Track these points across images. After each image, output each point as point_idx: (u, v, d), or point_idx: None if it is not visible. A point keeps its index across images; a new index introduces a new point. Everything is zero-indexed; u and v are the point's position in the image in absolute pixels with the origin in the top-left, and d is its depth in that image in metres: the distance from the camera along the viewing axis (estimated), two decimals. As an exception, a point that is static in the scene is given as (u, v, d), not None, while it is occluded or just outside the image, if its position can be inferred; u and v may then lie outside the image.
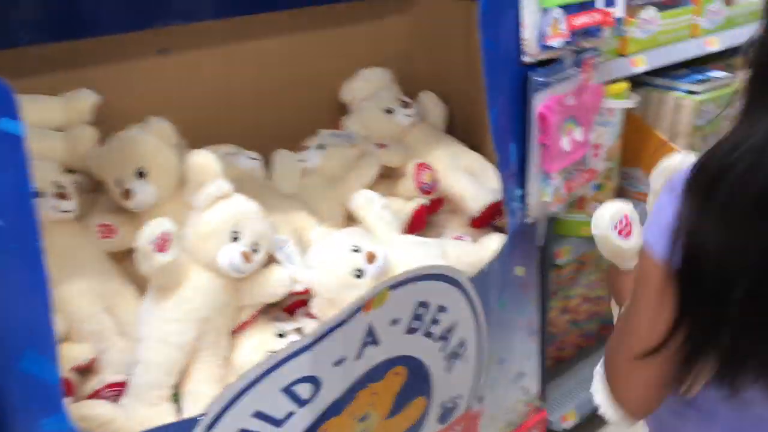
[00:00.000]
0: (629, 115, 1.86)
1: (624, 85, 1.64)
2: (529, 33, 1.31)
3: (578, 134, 1.49)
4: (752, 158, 0.71)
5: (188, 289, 1.13)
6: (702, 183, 0.75)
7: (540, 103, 1.36)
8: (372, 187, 1.49)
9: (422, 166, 1.51)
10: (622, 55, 1.64)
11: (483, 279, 1.31)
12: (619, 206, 1.03)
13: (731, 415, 0.83)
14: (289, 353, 0.98)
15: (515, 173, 1.38)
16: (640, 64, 1.65)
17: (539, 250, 1.62)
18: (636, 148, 1.87)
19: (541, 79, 1.35)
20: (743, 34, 1.98)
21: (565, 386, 1.96)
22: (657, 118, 1.83)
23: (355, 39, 1.74)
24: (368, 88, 1.66)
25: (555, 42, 1.33)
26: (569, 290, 2.02)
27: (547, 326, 1.82)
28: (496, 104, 1.29)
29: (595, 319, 2.17)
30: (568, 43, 1.35)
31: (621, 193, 1.91)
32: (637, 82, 1.87)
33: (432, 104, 1.69)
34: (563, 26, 1.33)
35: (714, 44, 1.82)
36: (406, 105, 1.59)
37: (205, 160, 1.17)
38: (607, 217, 1.02)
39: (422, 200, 1.50)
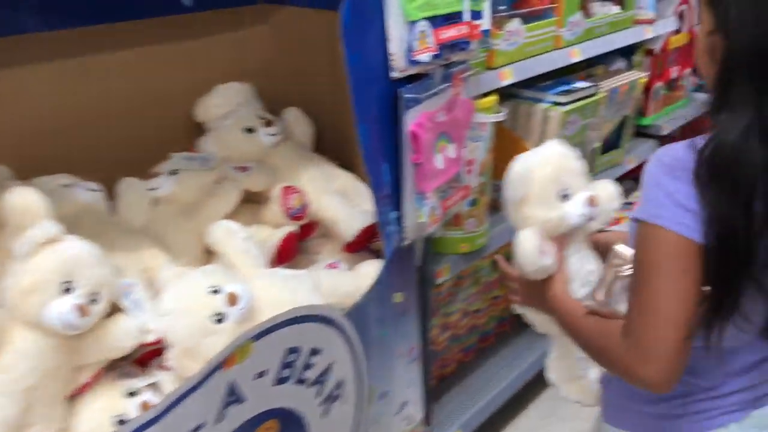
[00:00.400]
0: (499, 128, 1.84)
1: (493, 99, 1.61)
2: (396, 47, 1.23)
3: (451, 151, 1.43)
4: None
5: (9, 355, 0.95)
6: (722, 167, 0.83)
7: (411, 120, 1.29)
8: (233, 215, 1.36)
9: (289, 190, 1.39)
10: (490, 68, 1.61)
11: (360, 312, 1.21)
12: (533, 236, 1.11)
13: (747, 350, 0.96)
14: (135, 428, 0.83)
15: (389, 194, 1.30)
16: (508, 77, 1.63)
17: (417, 271, 1.55)
18: (507, 160, 1.85)
19: (411, 96, 1.27)
20: (602, 44, 2.05)
21: (450, 405, 1.91)
22: (526, 130, 1.83)
23: (211, 51, 1.59)
24: (226, 105, 1.52)
25: (423, 56, 1.26)
26: (449, 307, 1.97)
27: (428, 347, 1.76)
28: (365, 123, 1.20)
29: (474, 332, 2.15)
30: (436, 57, 1.28)
31: (495, 207, 1.89)
32: (506, 94, 1.86)
33: (298, 121, 1.58)
34: (431, 40, 1.27)
35: (576, 55, 1.84)
36: (268, 123, 1.46)
37: (25, 198, 0.98)
38: (534, 252, 1.09)
39: (291, 227, 1.38)
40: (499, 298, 2.19)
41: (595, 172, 1.98)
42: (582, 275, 1.15)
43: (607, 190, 1.18)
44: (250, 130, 1.46)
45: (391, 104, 1.26)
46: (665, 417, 1.01)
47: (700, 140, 0.86)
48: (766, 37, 0.83)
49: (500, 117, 1.63)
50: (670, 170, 0.86)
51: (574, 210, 1.14)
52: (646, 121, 2.47)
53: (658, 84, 2.44)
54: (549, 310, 1.11)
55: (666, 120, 2.52)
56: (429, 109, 1.34)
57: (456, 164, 1.46)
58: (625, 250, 1.02)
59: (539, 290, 1.13)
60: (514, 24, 1.61)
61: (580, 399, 1.28)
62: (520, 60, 1.67)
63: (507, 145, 1.85)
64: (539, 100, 1.82)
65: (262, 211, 1.43)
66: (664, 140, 2.60)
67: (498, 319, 2.26)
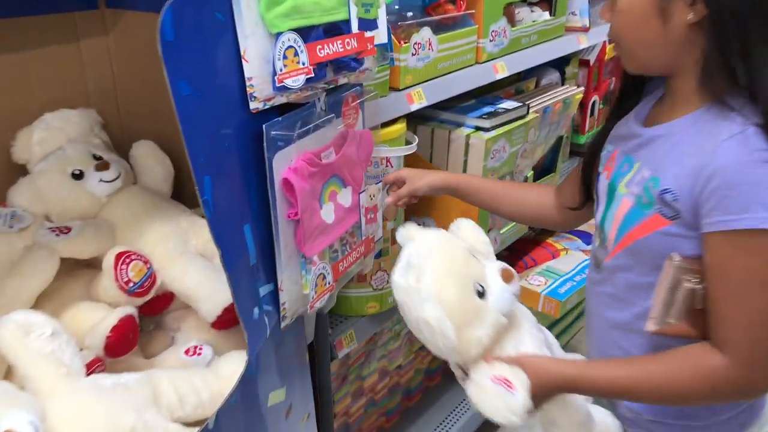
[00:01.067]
0: (414, 159, 1.54)
1: (401, 127, 1.30)
2: (254, 69, 0.90)
3: (345, 198, 1.11)
4: None
5: None
6: None
7: (283, 164, 0.97)
8: (54, 292, 1.01)
9: (125, 258, 1.04)
10: (394, 89, 1.30)
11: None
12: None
13: None
14: None
15: (256, 264, 0.97)
16: (419, 100, 1.32)
17: (309, 347, 1.23)
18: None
19: (280, 133, 0.95)
20: (532, 55, 1.78)
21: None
22: (446, 157, 1.53)
23: (36, 67, 1.22)
24: (53, 140, 1.16)
25: (292, 81, 0.93)
26: (362, 369, 1.65)
27: (334, 422, 1.44)
28: (209, 174, 0.86)
29: (396, 392, 1.84)
30: (313, 80, 0.96)
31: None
32: (419, 117, 1.56)
33: (150, 158, 1.23)
34: (304, 58, 0.94)
35: (502, 70, 1.55)
36: (102, 165, 1.11)
37: None
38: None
39: (128, 309, 1.03)
40: (426, 350, 1.89)
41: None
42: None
43: (479, 238, 1.05)
44: (77, 175, 1.10)
45: (253, 145, 0.93)
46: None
47: (753, 128, 0.81)
48: None
49: (411, 149, 1.32)
50: (764, 162, 0.80)
51: (501, 300, 0.94)
52: (582, 139, 2.22)
53: (595, 98, 2.19)
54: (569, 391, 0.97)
55: (603, 137, 2.27)
56: (309, 148, 1.02)
57: (353, 214, 1.14)
58: (684, 261, 0.89)
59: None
60: (424, 34, 1.31)
61: None
62: (432, 78, 1.37)
63: (423, 178, 1.55)
64: (459, 125, 1.52)
65: (95, 283, 1.07)
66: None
67: (425, 372, 1.96)
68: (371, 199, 1.18)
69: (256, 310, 0.97)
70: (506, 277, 0.95)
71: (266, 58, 0.91)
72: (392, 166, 1.29)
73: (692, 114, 0.90)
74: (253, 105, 0.92)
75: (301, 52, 0.94)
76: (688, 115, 0.91)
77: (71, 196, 1.09)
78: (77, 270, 1.10)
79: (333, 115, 1.06)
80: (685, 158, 0.88)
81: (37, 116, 1.20)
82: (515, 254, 2.06)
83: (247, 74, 0.90)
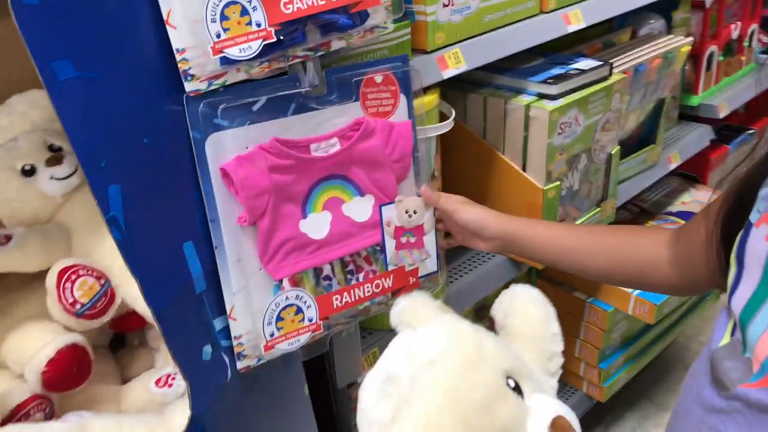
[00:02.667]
0: (461, 133, 1.25)
1: (430, 99, 1.02)
2: (186, 38, 0.67)
3: (359, 209, 0.86)
4: None
5: None
6: None
7: (226, 151, 0.74)
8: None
9: (72, 273, 0.86)
10: (421, 50, 1.02)
11: None
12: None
13: None
14: None
15: (207, 291, 0.75)
16: (455, 64, 1.04)
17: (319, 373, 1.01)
18: (475, 176, 1.28)
19: (227, 107, 0.72)
20: (618, 1, 1.42)
21: None
22: (502, 133, 1.24)
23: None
24: (14, 126, 1.00)
25: (239, 49, 0.69)
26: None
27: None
28: (119, 183, 0.65)
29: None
30: (274, 47, 0.71)
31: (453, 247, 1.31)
32: (469, 81, 1.27)
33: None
34: (259, 17, 0.70)
35: (576, 21, 1.22)
36: (54, 160, 0.93)
37: None
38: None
39: (73, 337, 0.85)
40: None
41: (611, 192, 1.36)
42: None
43: (541, 332, 0.66)
44: (28, 172, 0.92)
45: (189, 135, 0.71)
46: None
47: None
48: None
49: (443, 128, 1.04)
50: None
51: None
52: (695, 101, 1.81)
53: (712, 48, 1.77)
54: None
55: (723, 97, 1.85)
56: (283, 134, 0.78)
57: (370, 232, 0.89)
58: None
59: None
60: (462, -22, 1.01)
61: None
62: (476, 35, 1.07)
63: (475, 158, 1.27)
64: (519, 91, 1.21)
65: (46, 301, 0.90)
66: (721, 124, 1.94)
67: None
68: (410, 216, 0.91)
69: (207, 350, 0.76)
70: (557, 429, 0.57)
71: (203, 20, 0.68)
72: (418, 151, 1.02)
73: None
74: (191, 86, 0.69)
75: (253, 8, 0.69)
76: None
77: (20, 196, 0.91)
78: (36, 282, 0.94)
79: (333, 95, 0.80)
80: None
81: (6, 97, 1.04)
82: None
83: (175, 45, 0.67)
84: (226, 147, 0.74)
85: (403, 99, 0.86)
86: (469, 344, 0.59)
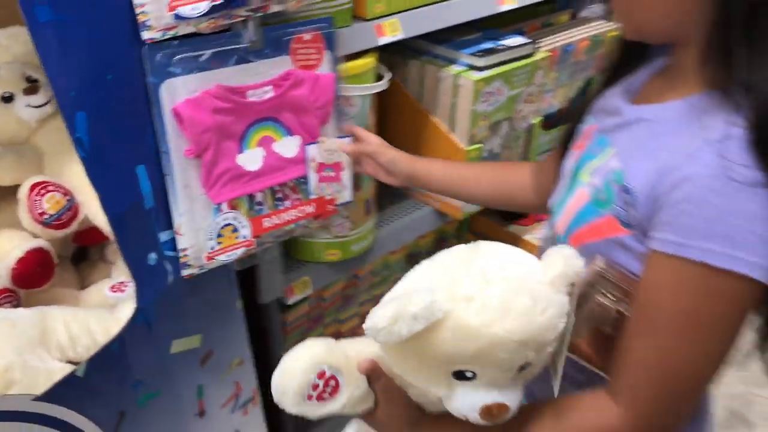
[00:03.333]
0: (400, 95, 1.41)
1: (366, 62, 1.17)
2: (144, -7, 0.81)
3: (287, 147, 1.02)
4: None
5: None
6: None
7: (178, 95, 0.88)
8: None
9: (42, 188, 1.00)
10: (360, 18, 1.16)
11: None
12: (302, 372, 0.72)
13: None
14: None
15: (155, 207, 0.91)
16: (392, 32, 1.18)
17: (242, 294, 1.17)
18: (410, 135, 1.43)
19: (179, 57, 0.86)
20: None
21: None
22: (435, 98, 1.39)
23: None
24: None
25: (191, 8, 0.83)
26: (339, 314, 1.60)
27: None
28: (85, 110, 0.79)
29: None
30: (222, 6, 0.86)
31: (395, 198, 1.48)
32: (413, 49, 1.42)
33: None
34: (207, -19, 0.84)
35: (510, 0, 1.37)
36: (31, 89, 1.06)
37: None
38: (291, 392, 0.72)
39: (39, 242, 1.00)
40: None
41: (531, 158, 1.54)
42: None
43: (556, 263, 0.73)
44: (5, 98, 1.06)
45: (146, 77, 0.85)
46: None
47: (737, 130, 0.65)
48: None
49: (378, 87, 1.20)
50: (744, 185, 0.63)
51: (461, 406, 0.70)
52: (627, 83, 1.98)
53: (647, 36, 1.94)
54: None
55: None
56: (228, 82, 0.93)
57: (295, 166, 1.04)
58: (609, 269, 0.74)
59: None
60: (401, -44, 1.15)
61: None
62: (414, 7, 1.22)
63: (410, 119, 1.43)
64: (452, 61, 1.36)
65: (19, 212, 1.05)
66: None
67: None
68: (330, 154, 1.07)
69: (153, 256, 0.92)
70: (484, 414, 0.68)
71: (160, -19, 0.82)
72: (353, 106, 1.17)
73: (686, 99, 0.72)
74: (147, 34, 0.83)
75: (202, -27, 0.83)
76: (681, 99, 0.73)
77: (-3, 120, 1.05)
78: (10, 196, 1.08)
79: (268, 49, 0.95)
80: (660, 153, 0.70)
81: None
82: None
83: (136, 0, 0.81)
84: (177, 91, 0.88)
85: (327, 55, 1.01)
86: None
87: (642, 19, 0.75)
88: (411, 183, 1.15)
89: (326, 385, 0.72)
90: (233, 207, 0.98)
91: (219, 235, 0.97)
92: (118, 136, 0.84)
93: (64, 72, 0.76)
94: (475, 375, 0.67)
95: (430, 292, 0.64)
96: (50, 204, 1.00)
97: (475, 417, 0.68)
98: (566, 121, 0.93)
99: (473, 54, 1.34)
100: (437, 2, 1.26)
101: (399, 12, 1.20)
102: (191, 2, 0.83)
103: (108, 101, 0.82)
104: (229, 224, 0.97)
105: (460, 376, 0.67)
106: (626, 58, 0.86)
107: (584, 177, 0.82)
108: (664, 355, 0.68)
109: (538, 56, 1.42)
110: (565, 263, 0.69)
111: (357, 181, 1.25)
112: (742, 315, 0.67)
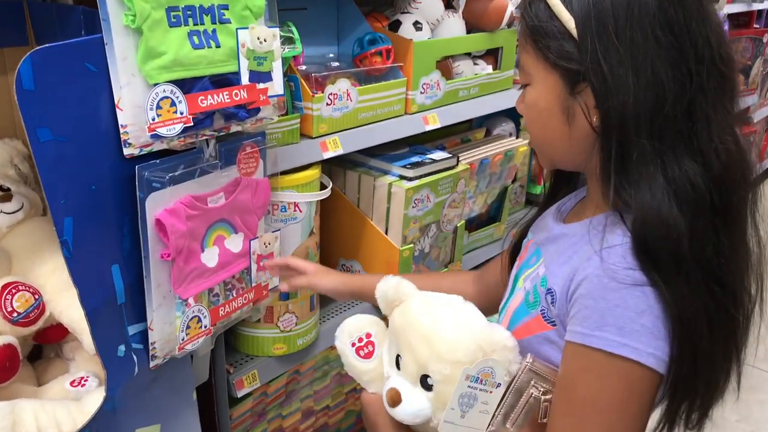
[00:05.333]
0: (340, 201, 1.57)
1: (312, 173, 1.33)
2: (129, 118, 0.95)
3: (234, 243, 1.15)
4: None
5: None
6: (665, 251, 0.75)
7: (158, 206, 1.00)
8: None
9: (13, 287, 1.08)
10: (307, 136, 1.33)
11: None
12: (362, 323, 1.00)
13: None
14: None
15: (125, 303, 1.00)
16: (333, 148, 1.36)
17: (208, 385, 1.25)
18: (350, 236, 1.58)
19: (156, 175, 0.99)
20: (471, 108, 1.80)
21: None
22: (371, 204, 1.56)
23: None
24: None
25: (167, 129, 0.97)
26: (282, 409, 1.66)
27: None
28: (71, 216, 0.90)
29: (324, 432, 1.84)
30: (192, 128, 1.00)
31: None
32: (350, 162, 1.60)
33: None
34: (183, 108, 0.99)
35: (432, 121, 1.59)
36: (6, 197, 1.15)
37: None
38: (346, 331, 1.00)
39: (8, 338, 1.06)
40: (359, 391, 1.90)
41: (457, 256, 1.71)
42: None
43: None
44: (-20, 206, 1.15)
45: (128, 188, 0.97)
46: None
47: (626, 239, 0.78)
48: (654, 88, 0.76)
49: (322, 195, 1.35)
50: (618, 285, 0.76)
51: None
52: (538, 189, 2.24)
53: (552, 150, 2.21)
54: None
55: (561, 189, 2.28)
56: (194, 192, 1.06)
57: (242, 260, 1.17)
58: (542, 368, 0.85)
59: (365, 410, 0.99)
60: (341, 85, 1.35)
61: None
62: (352, 127, 1.41)
63: (350, 219, 1.59)
64: (385, 172, 1.55)
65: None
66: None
67: (358, 414, 1.96)
68: (266, 246, 1.21)
69: (122, 348, 1.00)
70: (388, 398, 0.91)
71: (143, 107, 0.96)
72: (301, 212, 1.32)
73: (595, 218, 0.85)
74: (128, 151, 0.96)
75: (179, 102, 0.98)
76: (591, 218, 0.86)
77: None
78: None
79: (221, 162, 1.09)
80: (572, 260, 0.84)
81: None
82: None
83: (121, 121, 0.94)
84: (158, 203, 1.00)
85: (261, 163, 1.16)
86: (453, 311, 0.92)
87: (552, 154, 0.90)
88: (353, 299, 1.26)
89: (367, 344, 0.97)
90: (197, 300, 1.08)
91: (188, 327, 1.06)
92: (98, 239, 0.94)
93: (57, 183, 0.87)
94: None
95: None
96: (20, 302, 1.08)
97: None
98: (515, 237, 1.09)
99: (404, 166, 1.53)
100: (372, 122, 1.46)
101: (339, 131, 1.39)
102: (167, 124, 0.97)
103: (91, 209, 0.93)
104: (195, 316, 1.07)
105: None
106: (557, 186, 1.03)
107: (521, 283, 0.96)
108: None
109: (459, 168, 1.62)
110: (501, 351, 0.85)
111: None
112: (641, 400, 0.77)
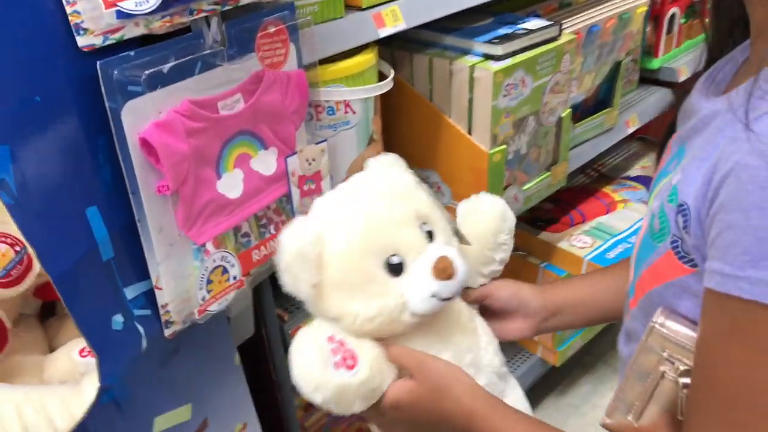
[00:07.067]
0: (408, 95, 1.22)
1: (365, 59, 0.99)
2: (75, -12, 0.63)
3: (265, 163, 0.84)
4: None
5: None
6: None
7: (141, 119, 0.70)
8: None
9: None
10: (355, 7, 0.98)
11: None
12: (313, 336, 0.66)
13: None
14: None
15: (115, 258, 0.72)
16: (393, 22, 1.00)
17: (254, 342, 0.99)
18: (423, 139, 1.25)
19: (134, 74, 0.68)
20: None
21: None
22: (448, 96, 1.20)
23: None
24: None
25: (131, 4, 0.65)
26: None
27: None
28: (7, 143, 0.61)
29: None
30: (171, 3, 0.67)
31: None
32: (416, 41, 1.23)
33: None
34: (159, -32, 0.65)
35: (524, -22, 1.18)
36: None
37: None
38: (316, 363, 0.63)
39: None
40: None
41: (562, 155, 1.34)
42: None
43: (483, 215, 0.78)
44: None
45: (94, 96, 0.67)
46: None
47: None
48: None
49: (380, 88, 1.01)
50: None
51: (416, 294, 0.67)
52: (655, 64, 1.79)
53: (674, 10, 1.75)
54: None
55: (684, 60, 1.83)
56: (193, 94, 0.74)
57: (278, 184, 0.86)
58: (683, 333, 0.55)
59: (420, 411, 0.66)
60: (398, -69, 0.96)
61: None
62: (416, -9, 1.04)
63: (422, 121, 1.24)
64: (465, 52, 1.18)
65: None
66: (681, 88, 1.92)
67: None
68: (309, 164, 0.89)
69: (118, 319, 0.73)
70: (438, 272, 0.66)
71: (102, -26, 0.64)
72: (355, 113, 0.99)
73: (753, 79, 0.51)
74: (84, 41, 0.65)
75: (160, -40, 0.65)
76: (750, 80, 0.52)
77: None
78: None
79: (231, 49, 0.77)
80: (715, 153, 0.51)
81: None
82: (560, 207, 1.71)
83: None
84: (141, 114, 0.70)
85: (292, 48, 0.82)
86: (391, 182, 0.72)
87: None
88: (545, 325, 0.83)
89: (342, 347, 0.64)
90: (219, 245, 0.80)
91: (209, 282, 0.78)
92: (57, 173, 0.66)
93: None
94: (401, 259, 0.66)
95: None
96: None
97: (432, 288, 0.65)
98: (661, 136, 0.73)
99: (489, 41, 1.15)
100: (441, -16, 1.08)
101: (397, -3, 1.02)
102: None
103: (38, 130, 0.63)
104: (218, 266, 0.79)
105: (394, 270, 0.66)
106: (720, 39, 0.66)
107: (651, 202, 0.65)
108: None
109: (563, 39, 1.23)
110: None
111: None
112: None
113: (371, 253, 0.66)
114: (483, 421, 0.64)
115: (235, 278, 0.82)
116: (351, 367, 0.63)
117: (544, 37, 1.20)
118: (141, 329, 0.76)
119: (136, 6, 0.65)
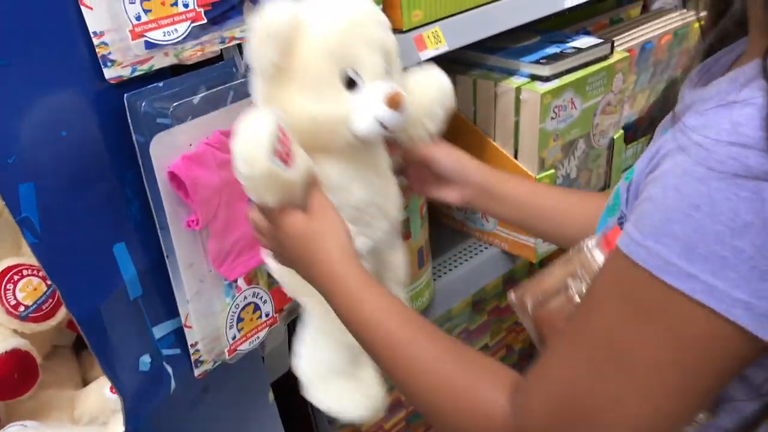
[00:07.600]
0: (451, 115, 1.17)
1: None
2: (105, 20, 0.61)
3: None
4: None
5: None
6: None
7: (171, 151, 0.67)
8: None
9: (16, 272, 0.81)
10: (396, 30, 0.94)
11: None
12: (269, 121, 0.61)
13: None
14: None
15: (143, 297, 0.70)
16: (434, 44, 0.95)
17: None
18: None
19: (162, 106, 0.65)
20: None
21: None
22: (493, 117, 1.15)
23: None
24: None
25: (164, 32, 0.62)
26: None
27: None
28: (33, 181, 0.59)
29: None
30: (205, 27, 0.65)
31: (452, 240, 1.24)
32: (460, 62, 1.19)
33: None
34: (186, -4, 0.63)
35: (573, -6, 1.13)
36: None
37: None
38: (266, 142, 0.60)
39: (13, 342, 0.80)
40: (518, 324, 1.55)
41: (614, 179, 1.27)
42: (346, 206, 0.70)
43: (429, 83, 0.83)
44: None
45: (119, 128, 0.64)
46: None
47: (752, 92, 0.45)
48: None
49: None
50: (730, 173, 0.44)
51: (363, 113, 0.67)
52: (713, 80, 1.70)
53: (732, 23, 1.66)
54: (320, 285, 0.66)
55: (744, 75, 1.73)
56: (225, 126, 0.71)
57: None
58: (600, 261, 0.62)
59: (298, 241, 0.66)
60: (439, -50, 0.93)
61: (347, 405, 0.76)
62: (458, 12, 0.99)
63: (465, 144, 1.19)
64: (510, 73, 1.13)
65: (-4, 301, 0.86)
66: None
67: (519, 351, 1.62)
68: None
69: (145, 359, 0.70)
70: (389, 100, 0.67)
71: (122, 1, 0.61)
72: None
73: (739, 70, 0.51)
74: (111, 72, 0.63)
75: (181, -14, 0.62)
76: (735, 71, 0.52)
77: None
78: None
79: None
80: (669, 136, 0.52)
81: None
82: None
83: (92, 28, 0.60)
84: (170, 147, 0.67)
85: None
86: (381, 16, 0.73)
87: None
88: (473, 201, 0.86)
89: (287, 142, 0.63)
90: (251, 281, 0.76)
91: (239, 320, 0.75)
92: (83, 209, 0.63)
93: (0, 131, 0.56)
94: (359, 76, 0.67)
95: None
96: (26, 293, 0.81)
97: (379, 113, 0.66)
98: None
99: (536, 62, 1.10)
100: (486, 3, 1.03)
101: (440, 19, 0.98)
102: (163, 25, 0.62)
103: (64, 166, 0.61)
104: (249, 303, 0.76)
105: (348, 84, 0.67)
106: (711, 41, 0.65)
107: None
108: (574, 374, 0.53)
109: (615, 57, 1.16)
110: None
111: (406, 228, 1.02)
112: (708, 373, 0.48)
113: (337, 57, 0.66)
114: (339, 278, 0.64)
115: (267, 315, 0.78)
116: (286, 163, 0.62)
117: (595, 56, 1.14)
118: (170, 369, 0.73)
119: (164, 36, 0.62)
